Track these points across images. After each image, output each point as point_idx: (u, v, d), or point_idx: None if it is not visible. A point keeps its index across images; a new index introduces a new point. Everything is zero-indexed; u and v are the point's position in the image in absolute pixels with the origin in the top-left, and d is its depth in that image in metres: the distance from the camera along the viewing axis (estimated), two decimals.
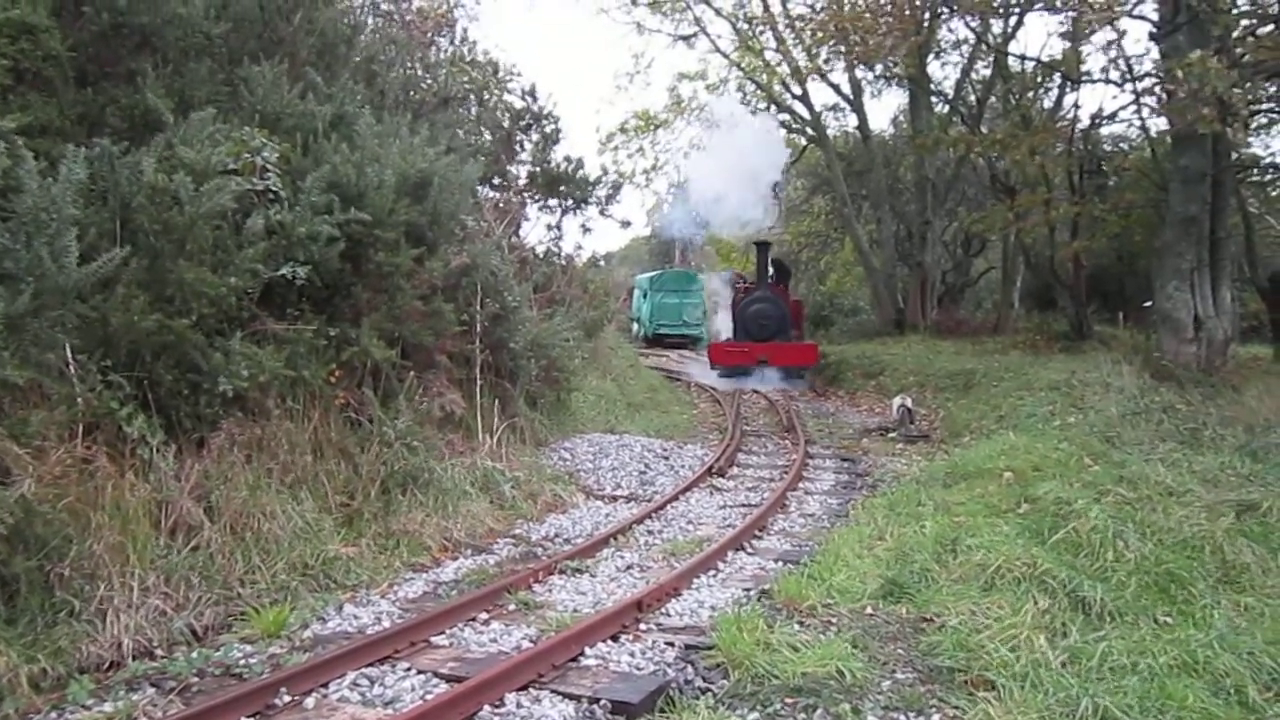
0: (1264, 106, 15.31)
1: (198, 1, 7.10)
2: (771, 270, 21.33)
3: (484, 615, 5.28)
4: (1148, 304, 16.45)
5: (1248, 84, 11.56)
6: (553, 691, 4.14)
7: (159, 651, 4.62)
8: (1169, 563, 5.68)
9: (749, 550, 6.88)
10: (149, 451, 5.31)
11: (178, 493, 5.34)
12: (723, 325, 25.14)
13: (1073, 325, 18.20)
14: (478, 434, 8.66)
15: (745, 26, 26.38)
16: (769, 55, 25.66)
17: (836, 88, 26.32)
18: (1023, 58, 19.80)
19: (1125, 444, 9.82)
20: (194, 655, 4.54)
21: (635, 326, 32.48)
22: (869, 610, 5.23)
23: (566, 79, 65.87)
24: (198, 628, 4.90)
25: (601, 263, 21.46)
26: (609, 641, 4.79)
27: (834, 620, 5.07)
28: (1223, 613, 5.12)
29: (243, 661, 4.50)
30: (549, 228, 15.49)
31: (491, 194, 13.91)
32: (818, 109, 26.96)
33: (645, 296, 32.01)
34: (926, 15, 18.89)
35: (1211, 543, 6.04)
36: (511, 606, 5.45)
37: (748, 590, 5.73)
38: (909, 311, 24.67)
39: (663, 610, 5.36)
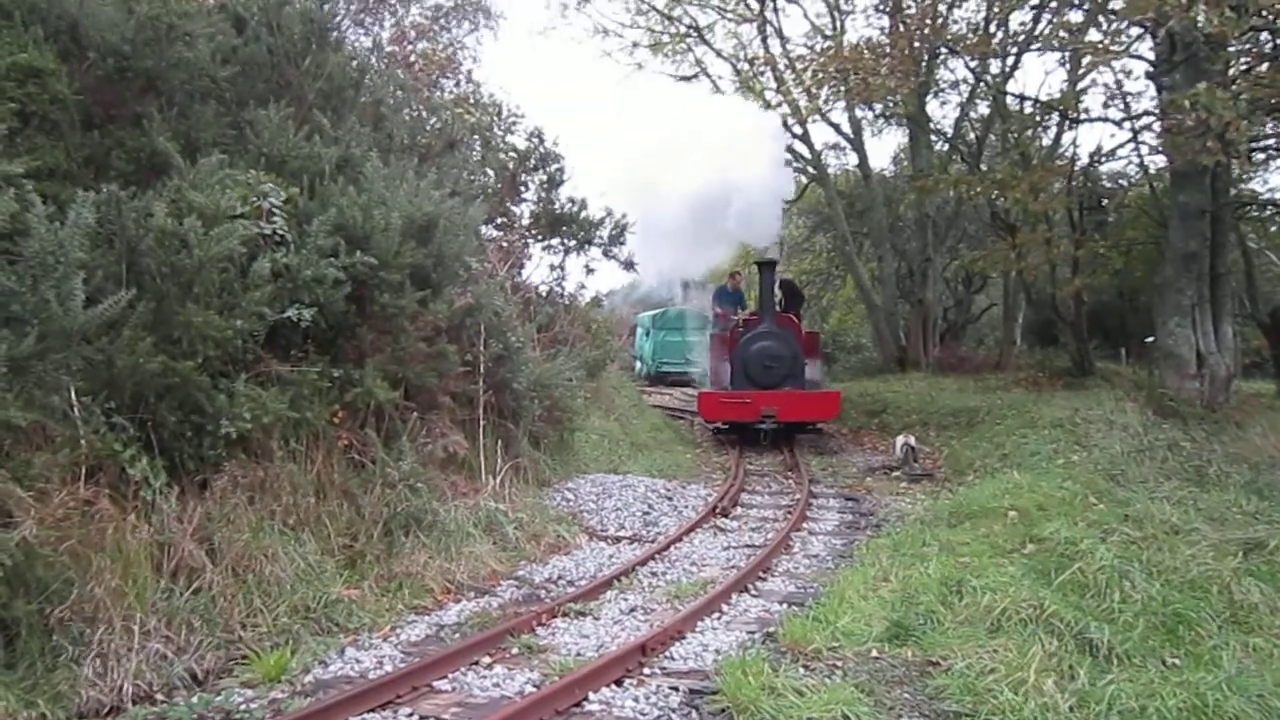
0: (1263, 143, 15.43)
1: (203, 46, 7.19)
2: (779, 296, 16.93)
3: (487, 659, 5.24)
4: (1150, 340, 16.45)
5: (1246, 120, 11.66)
6: None
7: (159, 696, 4.59)
8: (1176, 603, 5.64)
9: (753, 592, 6.83)
10: (151, 494, 5.29)
11: (180, 535, 5.32)
12: (702, 357, 19.29)
13: (1075, 362, 18.17)
14: (481, 475, 8.63)
15: (746, 67, 26.66)
16: (769, 95, 25.89)
17: (837, 127, 26.54)
18: (1021, 97, 19.98)
19: (1130, 482, 9.77)
20: (194, 700, 4.51)
21: (638, 365, 32.39)
22: (874, 653, 5.19)
23: (571, 114, 66.78)
24: (198, 672, 4.87)
25: (604, 301, 20.67)
26: (613, 686, 4.75)
27: (839, 664, 5.03)
28: (1231, 654, 5.08)
29: (243, 706, 4.47)
30: (552, 268, 15.47)
31: (495, 234, 13.97)
32: (818, 148, 27.17)
33: (648, 335, 31.95)
34: (926, 56, 19.09)
35: (1219, 582, 6.00)
36: (515, 650, 5.41)
37: (752, 633, 5.69)
38: (911, 348, 24.66)
39: (667, 654, 5.32)
